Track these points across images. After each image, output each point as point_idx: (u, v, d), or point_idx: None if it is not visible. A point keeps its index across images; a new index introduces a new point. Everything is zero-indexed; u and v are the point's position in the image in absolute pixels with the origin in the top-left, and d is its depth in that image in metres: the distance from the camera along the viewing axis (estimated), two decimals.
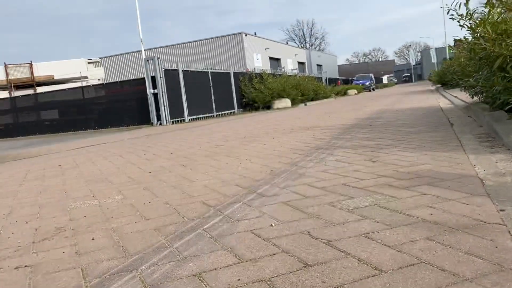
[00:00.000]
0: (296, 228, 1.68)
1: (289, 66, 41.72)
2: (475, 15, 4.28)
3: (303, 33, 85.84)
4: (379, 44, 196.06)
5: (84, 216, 2.26)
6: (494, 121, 4.07)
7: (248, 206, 2.07)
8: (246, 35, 34.68)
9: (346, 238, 1.53)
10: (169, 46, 37.07)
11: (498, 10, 3.85)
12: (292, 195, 2.20)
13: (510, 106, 3.91)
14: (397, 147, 3.53)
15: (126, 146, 6.78)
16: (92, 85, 19.06)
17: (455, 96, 9.73)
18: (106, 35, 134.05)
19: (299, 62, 45.98)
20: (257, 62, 35.87)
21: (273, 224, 1.76)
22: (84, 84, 21.41)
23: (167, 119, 15.49)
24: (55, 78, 22.88)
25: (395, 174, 2.50)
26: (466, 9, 4.27)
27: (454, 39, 5.87)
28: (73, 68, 23.15)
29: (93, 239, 1.84)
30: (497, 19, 3.92)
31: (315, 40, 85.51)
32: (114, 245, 1.72)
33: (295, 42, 78.92)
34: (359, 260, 1.33)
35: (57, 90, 18.66)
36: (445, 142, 3.57)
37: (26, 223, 2.27)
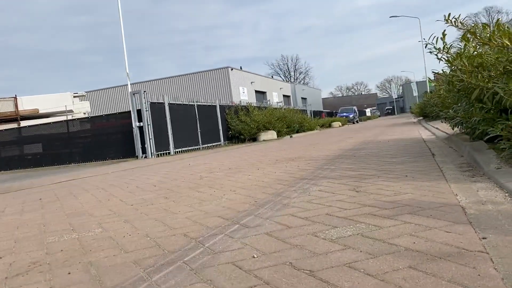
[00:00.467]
0: (279, 259, 1.65)
1: (275, 99, 42.29)
2: (452, 50, 4.43)
3: (288, 68, 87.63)
4: (362, 78, 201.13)
5: (62, 250, 2.19)
6: (475, 151, 4.14)
7: (230, 238, 2.03)
8: (232, 70, 35.24)
9: (329, 268, 1.50)
10: (156, 80, 37.41)
11: (473, 44, 3.99)
12: (275, 226, 2.18)
13: (489, 136, 3.99)
14: (380, 177, 3.55)
15: (109, 179, 6.68)
16: (77, 118, 18.96)
17: (437, 128, 9.93)
18: (93, 69, 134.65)
19: (284, 95, 46.68)
20: (243, 95, 36.30)
21: (255, 256, 1.72)
22: (69, 117, 21.30)
23: (152, 152, 15.41)
24: (40, 112, 22.74)
25: (378, 203, 2.50)
26: (443, 43, 4.42)
27: (433, 72, 6.05)
28: (58, 102, 23.07)
29: (69, 273, 1.78)
30: (472, 53, 4.05)
31: (300, 74, 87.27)
32: (91, 279, 1.66)
33: (280, 76, 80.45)
34: None
35: (41, 124, 18.50)
36: (427, 172, 3.61)
37: (0, 258, 2.19)
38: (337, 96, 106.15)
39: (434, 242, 1.69)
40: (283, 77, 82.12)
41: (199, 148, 17.87)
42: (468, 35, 4.10)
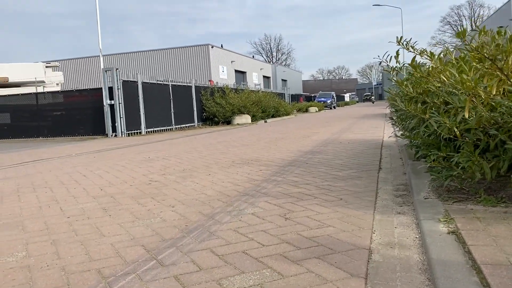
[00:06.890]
0: None
1: (255, 79, 42.11)
2: (404, 72, 4.53)
3: (270, 48, 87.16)
4: (344, 62, 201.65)
5: None
6: (413, 173, 4.30)
7: (139, 280, 2.11)
8: (212, 47, 34.81)
9: None
10: (133, 52, 36.64)
11: (418, 71, 4.09)
12: (187, 266, 2.26)
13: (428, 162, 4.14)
14: (317, 198, 3.67)
15: (65, 169, 6.65)
16: (47, 92, 18.56)
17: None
18: (69, 36, 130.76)
19: (264, 76, 46.52)
20: (222, 74, 36.02)
21: None
22: (41, 89, 20.78)
23: (122, 131, 15.29)
24: (10, 80, 22.11)
25: (296, 240, 2.61)
26: (396, 62, 4.51)
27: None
28: (30, 72, 22.47)
29: None
30: (419, 79, 4.16)
31: (282, 55, 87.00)
32: None
33: (261, 56, 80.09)
34: None
35: (9, 95, 18.04)
36: (362, 195, 3.75)
37: None
38: (318, 79, 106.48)
39: None
40: (265, 57, 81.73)
41: (172, 128, 17.81)
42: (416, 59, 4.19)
